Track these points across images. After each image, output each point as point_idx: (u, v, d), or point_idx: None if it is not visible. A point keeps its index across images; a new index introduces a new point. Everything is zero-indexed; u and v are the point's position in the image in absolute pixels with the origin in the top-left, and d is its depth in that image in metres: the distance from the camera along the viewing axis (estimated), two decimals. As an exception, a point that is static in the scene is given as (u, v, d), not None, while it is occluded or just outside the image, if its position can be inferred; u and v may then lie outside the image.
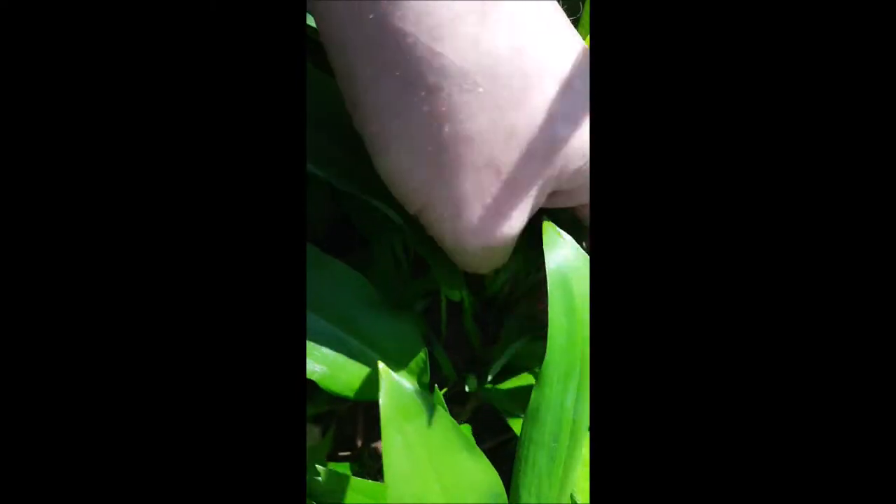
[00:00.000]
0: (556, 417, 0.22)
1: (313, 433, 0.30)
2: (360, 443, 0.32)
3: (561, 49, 0.20)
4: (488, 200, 0.20)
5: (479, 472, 0.20)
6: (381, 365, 0.20)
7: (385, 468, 0.19)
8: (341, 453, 0.31)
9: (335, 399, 0.31)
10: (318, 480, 0.26)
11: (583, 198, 0.23)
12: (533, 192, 0.21)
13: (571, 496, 0.26)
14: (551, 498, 0.23)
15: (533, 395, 0.22)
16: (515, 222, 0.21)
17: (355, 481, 0.25)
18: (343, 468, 0.28)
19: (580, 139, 0.20)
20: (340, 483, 0.25)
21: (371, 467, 0.31)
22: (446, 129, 0.19)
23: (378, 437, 0.31)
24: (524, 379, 0.29)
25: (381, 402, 0.19)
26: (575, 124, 0.20)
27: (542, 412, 0.22)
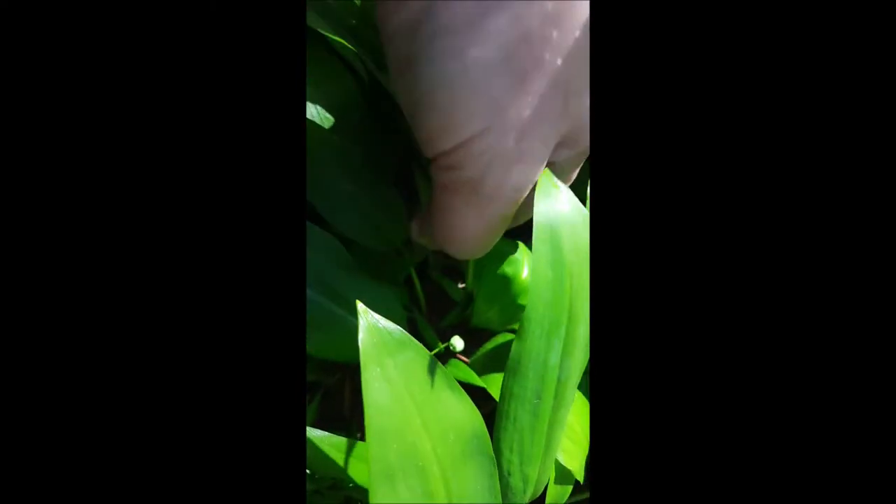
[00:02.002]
0: (539, 374, 0.22)
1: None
2: (347, 415, 0.31)
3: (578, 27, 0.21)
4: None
5: (461, 410, 0.20)
6: (359, 304, 0.20)
7: (364, 401, 0.19)
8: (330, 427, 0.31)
9: (321, 369, 0.31)
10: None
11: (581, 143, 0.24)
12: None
13: (557, 461, 0.26)
14: (535, 456, 0.23)
15: (514, 348, 0.21)
16: (533, 175, 0.23)
17: (336, 440, 0.25)
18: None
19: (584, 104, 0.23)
20: (322, 443, 0.25)
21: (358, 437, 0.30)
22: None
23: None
24: (503, 338, 0.29)
25: (360, 337, 0.19)
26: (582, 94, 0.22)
27: (522, 366, 0.22)
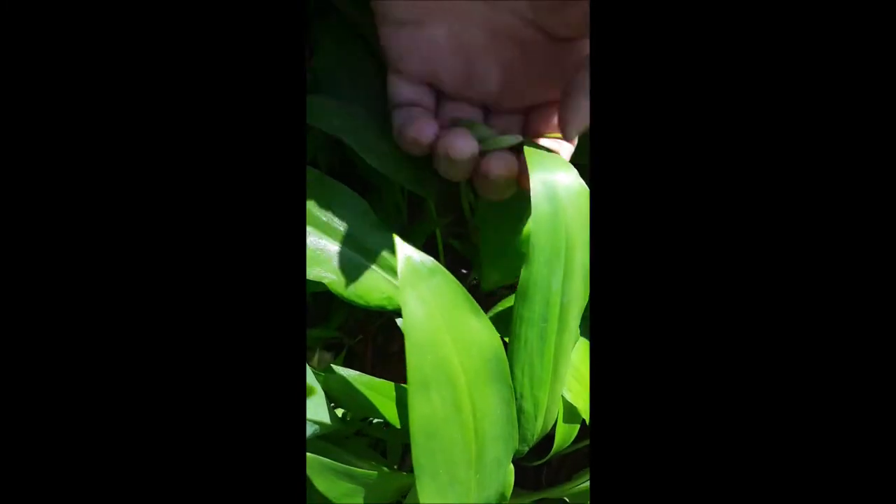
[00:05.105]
0: (544, 298, 0.25)
1: (325, 357, 0.32)
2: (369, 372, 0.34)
3: None
4: None
5: (484, 332, 0.23)
6: (396, 238, 0.23)
7: (403, 318, 0.22)
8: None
9: (344, 331, 0.34)
10: (333, 380, 0.28)
11: None
12: None
13: (564, 398, 0.29)
14: (544, 378, 0.26)
15: (522, 275, 0.25)
16: None
17: (367, 379, 0.28)
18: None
19: None
20: (355, 381, 0.28)
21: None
22: None
23: (386, 368, 0.34)
24: (508, 301, 0.32)
25: (398, 267, 0.22)
26: None
27: (530, 291, 0.25)
